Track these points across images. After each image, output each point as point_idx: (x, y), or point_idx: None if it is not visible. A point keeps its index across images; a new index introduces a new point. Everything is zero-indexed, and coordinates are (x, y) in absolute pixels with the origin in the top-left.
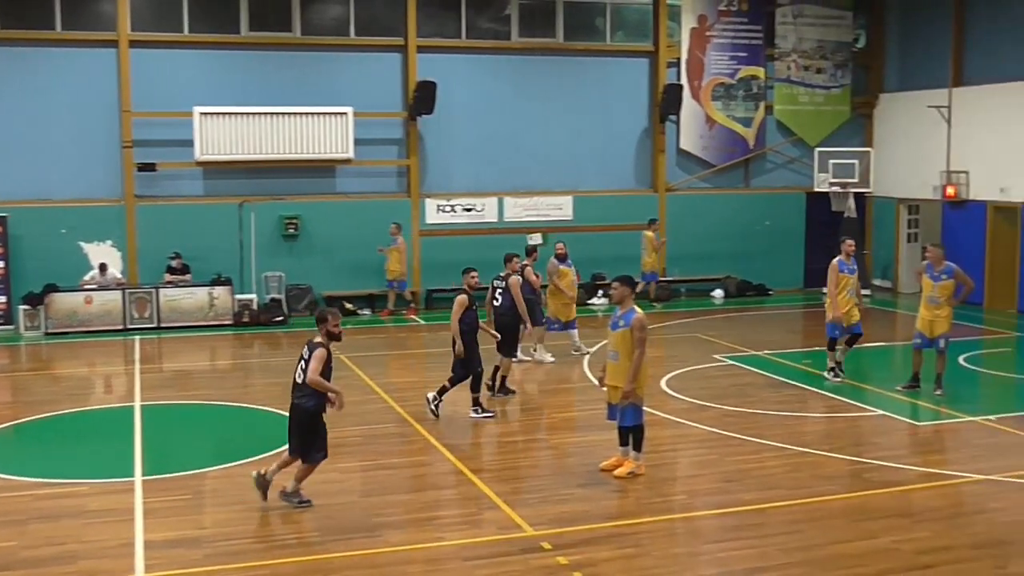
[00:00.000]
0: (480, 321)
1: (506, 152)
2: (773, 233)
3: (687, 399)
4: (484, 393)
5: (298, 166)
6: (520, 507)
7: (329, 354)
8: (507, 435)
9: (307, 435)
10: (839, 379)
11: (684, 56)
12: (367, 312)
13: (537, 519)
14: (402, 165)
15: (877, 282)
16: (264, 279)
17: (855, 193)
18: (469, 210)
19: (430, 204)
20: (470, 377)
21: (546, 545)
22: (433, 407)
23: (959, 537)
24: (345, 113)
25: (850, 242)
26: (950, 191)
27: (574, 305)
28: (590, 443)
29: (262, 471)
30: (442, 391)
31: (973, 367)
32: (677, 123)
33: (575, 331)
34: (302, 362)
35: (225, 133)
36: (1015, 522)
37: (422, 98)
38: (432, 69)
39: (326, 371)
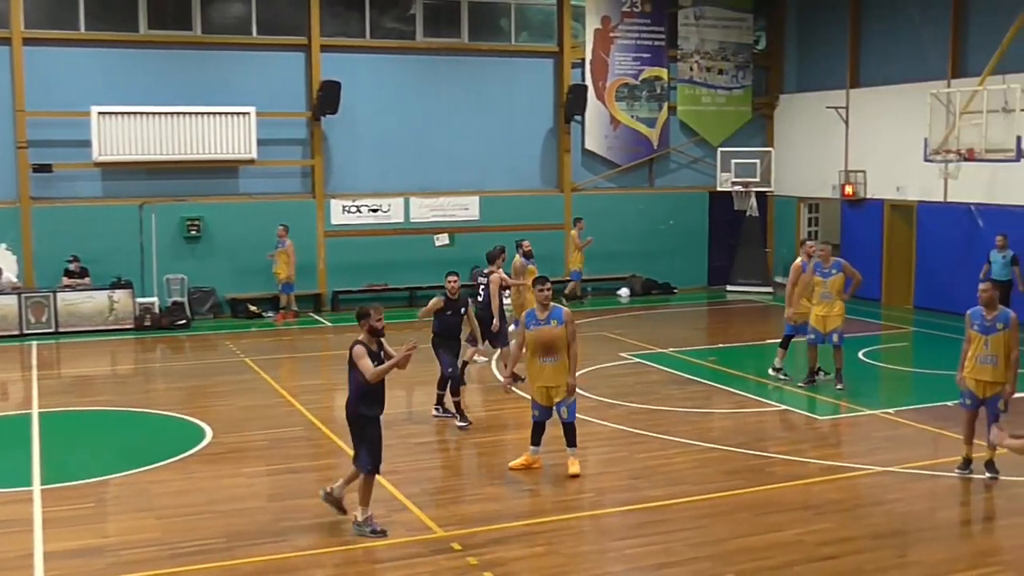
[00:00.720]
0: None
1: (412, 152)
2: (677, 232)
3: (595, 397)
4: (462, 396)
5: (200, 167)
6: (429, 508)
7: (368, 349)
8: (416, 436)
9: (356, 441)
10: (786, 378)
11: (588, 57)
12: (272, 315)
13: (447, 520)
14: (306, 165)
15: (779, 279)
16: (166, 282)
17: (757, 192)
18: (375, 211)
19: (335, 205)
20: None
21: (456, 546)
22: (454, 416)
23: (860, 528)
24: (248, 113)
25: (812, 243)
26: (848, 190)
27: None
28: (499, 443)
29: (328, 488)
30: (439, 399)
31: (872, 362)
32: (582, 123)
33: None
34: (349, 369)
35: (124, 133)
36: (913, 512)
37: (326, 98)
38: (336, 69)
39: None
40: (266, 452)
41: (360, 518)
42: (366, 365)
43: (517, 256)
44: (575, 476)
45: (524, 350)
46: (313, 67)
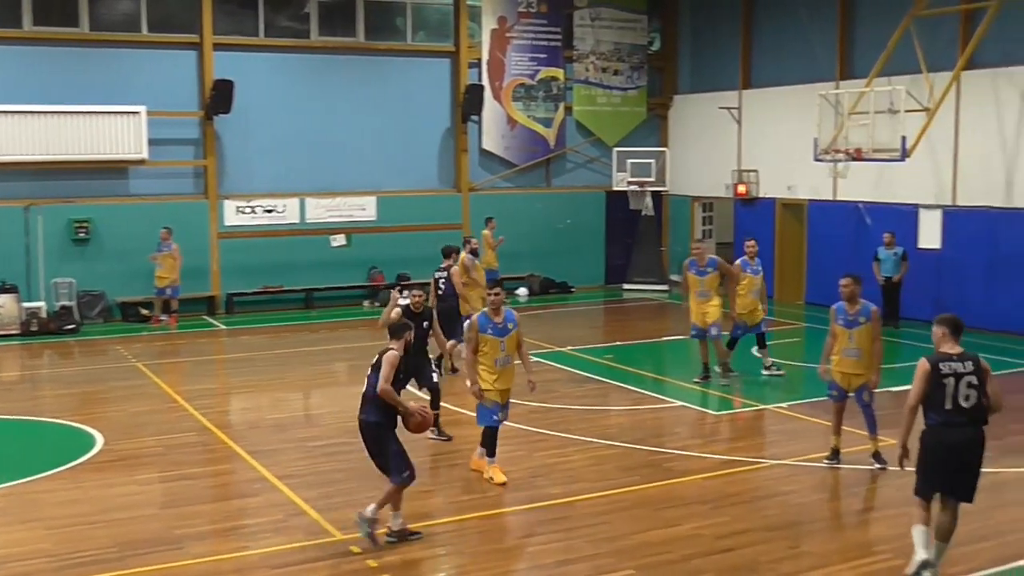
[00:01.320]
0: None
1: (308, 152)
2: (574, 231)
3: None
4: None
5: (88, 167)
6: (328, 512)
7: (401, 360)
8: (313, 439)
9: (381, 454)
10: (731, 377)
11: (485, 57)
12: (165, 318)
13: (346, 523)
14: (199, 166)
15: (674, 277)
16: (53, 286)
17: (652, 192)
18: (270, 211)
19: (229, 205)
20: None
21: (355, 549)
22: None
23: (755, 520)
24: (138, 112)
25: (751, 242)
26: (741, 189)
27: None
28: None
29: (387, 530)
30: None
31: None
32: (479, 123)
33: None
34: (371, 372)
35: (8, 133)
36: (806, 503)
37: (219, 97)
38: (229, 67)
39: (396, 380)
40: (159, 459)
41: (396, 528)
42: (388, 374)
43: (464, 254)
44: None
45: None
46: (205, 66)
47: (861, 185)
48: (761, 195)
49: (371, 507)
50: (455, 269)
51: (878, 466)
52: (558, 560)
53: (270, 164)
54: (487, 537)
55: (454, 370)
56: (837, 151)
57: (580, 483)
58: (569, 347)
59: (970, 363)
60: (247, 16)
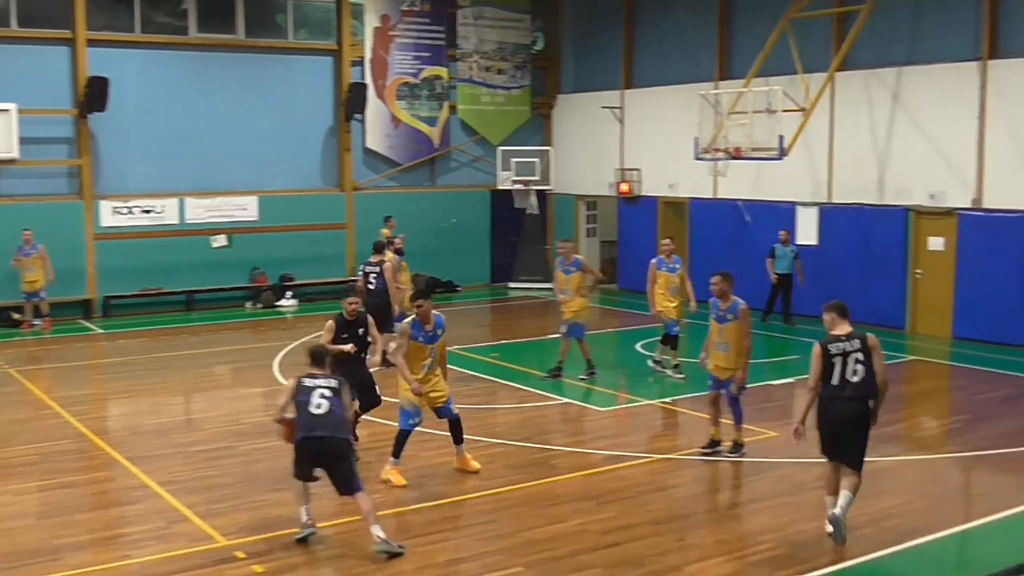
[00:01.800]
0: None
1: (186, 151)
2: (460, 230)
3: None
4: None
5: None
6: (211, 518)
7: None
8: (195, 444)
9: (347, 468)
10: (681, 376)
11: (368, 55)
12: (38, 322)
13: (229, 528)
14: (73, 165)
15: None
16: None
17: (536, 190)
18: (148, 212)
19: (105, 206)
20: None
21: (240, 554)
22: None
23: (641, 515)
24: (8, 110)
25: (667, 240)
26: (624, 188)
27: None
28: (280, 448)
29: (392, 547)
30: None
31: (649, 353)
32: (363, 122)
33: None
34: (332, 396)
35: None
36: (690, 497)
37: (94, 94)
38: (104, 64)
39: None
40: (34, 467)
41: (383, 535)
42: (349, 402)
43: (390, 253)
44: (477, 471)
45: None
46: (79, 62)
47: (741, 183)
48: (643, 193)
49: (376, 530)
50: (388, 264)
51: (734, 456)
52: (448, 559)
53: (148, 163)
54: (374, 538)
55: (388, 364)
56: (717, 150)
57: (468, 482)
58: (455, 346)
59: (857, 341)
60: (122, 11)
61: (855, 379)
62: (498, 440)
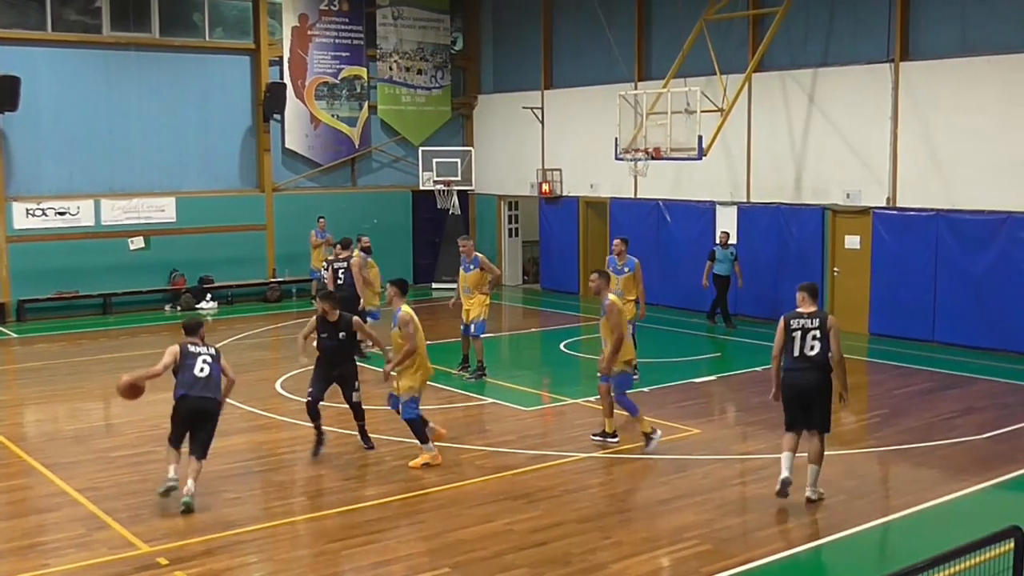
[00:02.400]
0: None
1: (102, 152)
2: (381, 231)
3: (303, 399)
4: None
5: None
6: (132, 524)
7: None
8: (115, 450)
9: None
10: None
11: (286, 55)
12: None
13: (151, 535)
14: None
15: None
16: None
17: (458, 191)
18: (62, 214)
19: (18, 208)
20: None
21: (163, 561)
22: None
23: (567, 513)
24: None
25: (617, 240)
26: (545, 188)
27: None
28: None
29: None
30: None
31: (573, 353)
32: (282, 122)
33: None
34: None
35: None
36: (616, 494)
37: (4, 94)
38: (14, 63)
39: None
40: None
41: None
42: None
43: (356, 251)
44: (413, 468)
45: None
46: None
47: (661, 183)
48: (565, 193)
49: (191, 484)
50: (355, 260)
51: (652, 446)
52: (373, 562)
53: (61, 164)
54: (299, 542)
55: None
56: (637, 150)
57: (394, 483)
58: (379, 349)
59: (817, 320)
60: (33, 9)
61: (811, 353)
62: None
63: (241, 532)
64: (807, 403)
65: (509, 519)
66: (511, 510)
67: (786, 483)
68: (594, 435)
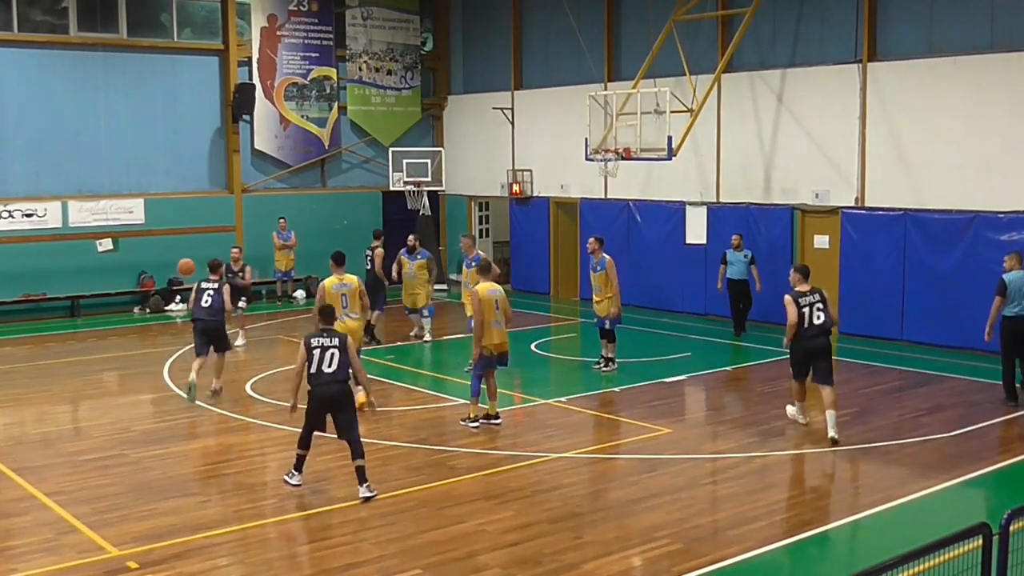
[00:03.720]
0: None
1: (69, 153)
2: (351, 232)
3: (272, 402)
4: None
5: None
6: (102, 528)
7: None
8: (83, 453)
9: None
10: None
11: (255, 55)
12: None
13: (121, 539)
14: None
15: (453, 276)
16: None
17: (428, 192)
18: (29, 215)
19: None
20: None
21: (132, 564)
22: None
23: (539, 513)
24: None
25: (591, 239)
26: (515, 188)
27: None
28: (170, 455)
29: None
30: None
31: (544, 353)
32: (251, 123)
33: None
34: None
35: None
36: (587, 494)
37: None
38: None
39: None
40: None
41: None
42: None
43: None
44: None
45: None
46: None
47: (631, 184)
48: (535, 194)
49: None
50: (379, 252)
51: (473, 426)
52: (345, 564)
53: (28, 166)
54: (270, 544)
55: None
56: (607, 151)
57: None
58: None
59: (817, 295)
60: None
61: (818, 322)
62: (394, 442)
63: (211, 535)
64: (821, 360)
65: (481, 520)
66: (483, 511)
67: (799, 413)
68: (464, 420)
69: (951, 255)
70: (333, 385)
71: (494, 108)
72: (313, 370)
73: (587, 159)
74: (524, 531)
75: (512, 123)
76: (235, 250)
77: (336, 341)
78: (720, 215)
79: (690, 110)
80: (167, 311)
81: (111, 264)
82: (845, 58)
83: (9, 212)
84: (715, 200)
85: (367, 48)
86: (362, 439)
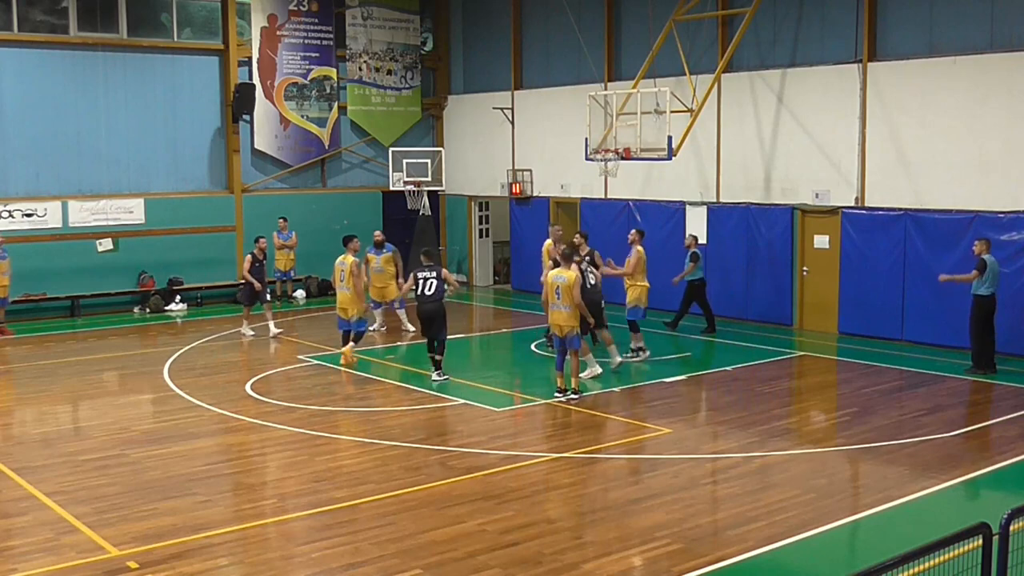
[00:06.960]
0: None
1: (69, 153)
2: (352, 232)
3: (272, 401)
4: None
5: None
6: (102, 528)
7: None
8: (83, 453)
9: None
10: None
11: (256, 55)
12: None
13: (121, 539)
14: None
15: (454, 276)
16: None
17: (428, 191)
18: (29, 215)
19: None
20: None
21: (132, 564)
22: None
23: (538, 514)
24: None
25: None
26: (516, 188)
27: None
28: (170, 455)
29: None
30: None
31: (543, 353)
32: (251, 123)
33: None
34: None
35: None
36: (586, 495)
37: None
38: None
39: None
40: None
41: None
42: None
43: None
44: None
45: None
46: None
47: (631, 184)
48: (535, 194)
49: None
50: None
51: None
52: (345, 564)
53: (28, 166)
54: (270, 545)
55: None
56: (607, 151)
57: (365, 485)
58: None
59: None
60: None
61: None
62: (394, 442)
63: (211, 535)
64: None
65: (481, 520)
66: (483, 511)
67: None
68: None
69: (951, 255)
70: (429, 304)
71: (494, 108)
72: (418, 293)
73: (587, 159)
74: (524, 531)
75: (512, 123)
76: (262, 240)
77: (434, 273)
78: (720, 215)
79: (690, 110)
80: (167, 311)
81: (111, 264)
82: (845, 58)
83: (9, 212)
84: (715, 200)
85: (367, 48)
86: (361, 439)
